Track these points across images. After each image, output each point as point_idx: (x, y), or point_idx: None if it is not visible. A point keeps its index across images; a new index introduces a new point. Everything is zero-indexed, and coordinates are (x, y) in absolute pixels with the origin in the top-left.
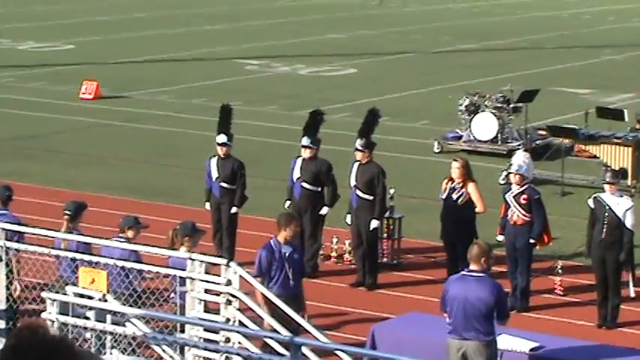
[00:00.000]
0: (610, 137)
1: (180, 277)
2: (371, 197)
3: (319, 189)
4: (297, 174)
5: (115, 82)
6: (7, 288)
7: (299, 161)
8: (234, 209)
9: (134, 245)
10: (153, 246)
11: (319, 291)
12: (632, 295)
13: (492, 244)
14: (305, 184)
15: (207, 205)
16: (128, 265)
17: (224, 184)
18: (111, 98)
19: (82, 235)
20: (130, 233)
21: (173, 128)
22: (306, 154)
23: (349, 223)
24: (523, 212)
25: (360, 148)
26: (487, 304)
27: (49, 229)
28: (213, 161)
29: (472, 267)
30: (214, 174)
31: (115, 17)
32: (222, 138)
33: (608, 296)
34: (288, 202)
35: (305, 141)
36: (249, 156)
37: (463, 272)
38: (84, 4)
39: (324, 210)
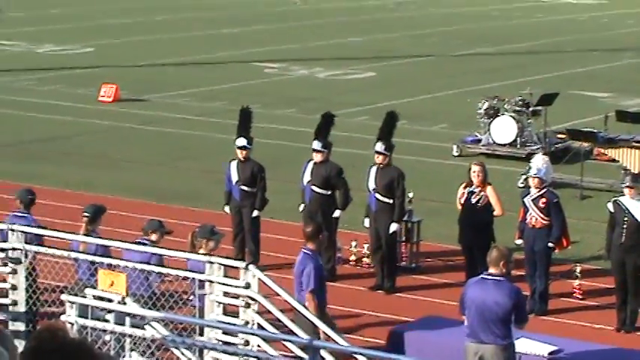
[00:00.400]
0: (630, 141)
1: (199, 280)
2: (390, 200)
3: (329, 192)
4: (307, 177)
5: (134, 85)
6: (27, 290)
7: (310, 165)
8: (255, 212)
9: (154, 248)
10: (170, 249)
11: (338, 294)
12: None
13: (511, 247)
14: (315, 188)
15: (227, 209)
16: (147, 267)
17: (244, 187)
18: (130, 101)
19: (101, 237)
20: (153, 237)
21: (191, 131)
22: (317, 157)
23: (367, 226)
24: (542, 216)
25: (380, 150)
26: (505, 308)
27: (68, 232)
28: (233, 164)
29: (491, 270)
30: (234, 177)
31: (134, 20)
32: (241, 141)
33: (627, 300)
34: (302, 206)
35: (316, 145)
36: (268, 159)
37: (482, 275)
38: (103, 6)
39: (337, 213)
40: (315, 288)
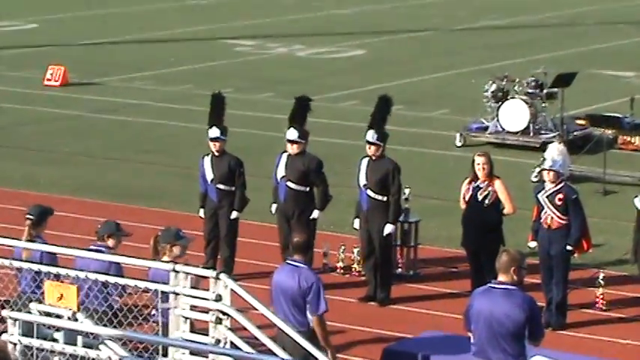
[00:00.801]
0: None
1: (163, 292)
2: (384, 198)
3: (307, 189)
4: (281, 172)
5: (85, 67)
6: None
7: (284, 157)
8: (234, 214)
9: (110, 255)
10: (129, 256)
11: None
12: None
13: (524, 251)
14: (291, 184)
15: (202, 212)
16: (102, 278)
17: (221, 186)
18: (80, 85)
19: (47, 243)
20: (110, 242)
21: (152, 120)
22: (292, 149)
23: (357, 228)
24: (558, 214)
25: (372, 140)
26: (516, 322)
27: (9, 237)
28: (207, 160)
29: (500, 278)
30: (209, 175)
31: None
32: (214, 132)
33: None
34: (274, 206)
35: (291, 134)
36: (242, 152)
37: (490, 284)
38: None
39: (315, 214)
40: (327, 310)
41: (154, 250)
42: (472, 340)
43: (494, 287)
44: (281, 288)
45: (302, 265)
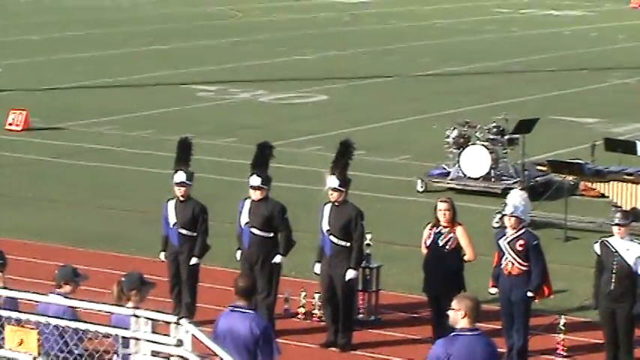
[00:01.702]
0: (620, 173)
1: (124, 337)
2: (347, 243)
3: (271, 235)
4: (245, 218)
5: (47, 112)
6: None
7: (247, 203)
8: (194, 260)
9: (72, 301)
10: (90, 301)
11: (284, 353)
12: None
13: (486, 298)
14: (255, 230)
15: (162, 256)
16: (63, 323)
17: (183, 231)
18: (42, 130)
19: (7, 288)
20: (67, 287)
21: (113, 165)
22: (255, 195)
23: (318, 272)
24: (519, 260)
25: (334, 186)
26: None
27: None
28: (171, 204)
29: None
30: (172, 219)
31: (46, 36)
32: (180, 176)
33: (619, 356)
34: (238, 252)
35: (254, 180)
36: (204, 196)
37: (455, 333)
38: (10, 20)
39: (278, 258)
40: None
41: (118, 295)
42: None
43: (459, 335)
44: (231, 336)
45: (249, 312)
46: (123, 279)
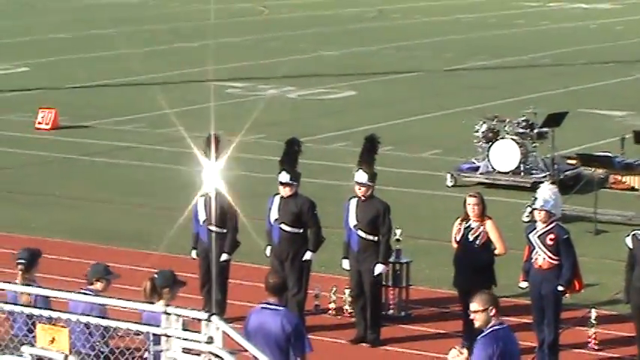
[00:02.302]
0: None
1: (155, 335)
2: (375, 238)
3: (301, 231)
4: (274, 215)
5: (76, 110)
6: None
7: (276, 200)
8: (224, 256)
9: (103, 298)
10: (121, 299)
11: (315, 349)
12: None
13: (516, 292)
14: (284, 226)
15: (194, 253)
16: (94, 321)
17: (213, 228)
18: (71, 128)
19: (40, 287)
20: (99, 285)
21: (142, 162)
22: (285, 191)
23: (347, 268)
24: (550, 254)
25: (361, 181)
26: None
27: (1, 281)
28: (201, 202)
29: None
30: (202, 216)
31: (75, 34)
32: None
33: None
34: (268, 248)
35: (283, 177)
36: (234, 193)
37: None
38: (39, 19)
39: (308, 255)
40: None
41: (150, 292)
42: None
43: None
44: (262, 333)
45: (281, 308)
46: (155, 276)
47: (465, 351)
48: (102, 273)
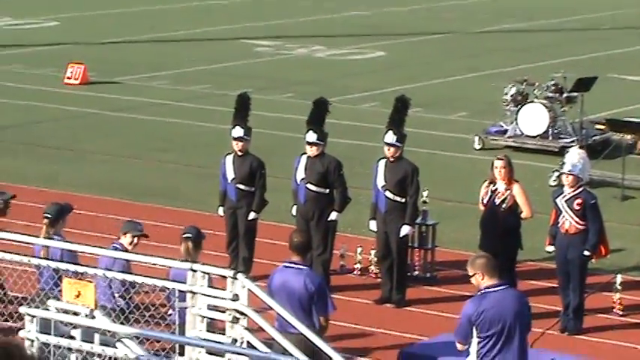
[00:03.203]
0: None
1: (180, 291)
2: (402, 199)
3: (327, 191)
4: (301, 174)
5: (105, 66)
6: None
7: (303, 159)
8: (252, 215)
9: (129, 254)
10: (145, 254)
11: (340, 309)
12: None
13: (543, 255)
14: (310, 186)
15: (221, 211)
16: (119, 276)
17: (241, 186)
18: (100, 84)
19: (66, 241)
20: (125, 239)
21: (170, 119)
22: (312, 151)
23: (374, 229)
24: (577, 219)
25: (390, 142)
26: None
27: (29, 235)
28: (229, 159)
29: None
30: (230, 174)
31: None
32: (238, 132)
33: None
34: (294, 207)
35: (310, 137)
36: (261, 152)
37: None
38: None
39: (334, 215)
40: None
41: (194, 250)
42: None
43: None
44: (285, 291)
45: (304, 267)
46: (189, 235)
47: None
48: (129, 228)
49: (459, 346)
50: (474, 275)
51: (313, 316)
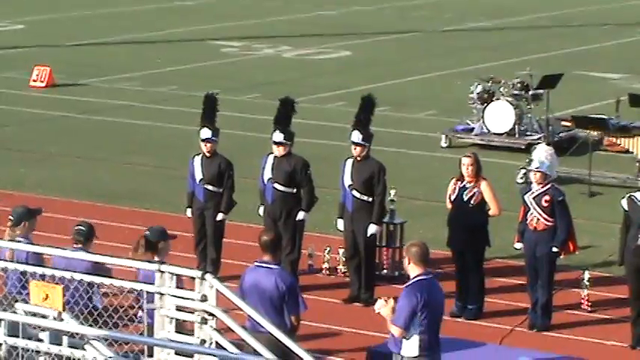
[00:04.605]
0: None
1: (148, 292)
2: (369, 198)
3: (294, 190)
4: (268, 174)
5: (71, 68)
6: None
7: (270, 159)
8: (220, 216)
9: (97, 256)
10: (114, 256)
11: (309, 308)
12: None
13: (510, 253)
14: (278, 186)
15: (189, 212)
16: (87, 278)
17: (209, 187)
18: (66, 86)
19: (33, 244)
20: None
21: (138, 121)
22: (278, 150)
23: (341, 229)
24: (545, 216)
25: (357, 141)
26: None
27: None
28: (197, 160)
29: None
30: (198, 175)
31: None
32: (206, 133)
33: None
34: (261, 208)
35: (277, 136)
36: (228, 152)
37: (421, 277)
38: None
39: (301, 215)
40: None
41: (146, 248)
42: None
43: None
44: (257, 291)
45: (275, 267)
46: (147, 232)
47: (391, 300)
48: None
49: (399, 333)
50: (404, 259)
51: (285, 316)
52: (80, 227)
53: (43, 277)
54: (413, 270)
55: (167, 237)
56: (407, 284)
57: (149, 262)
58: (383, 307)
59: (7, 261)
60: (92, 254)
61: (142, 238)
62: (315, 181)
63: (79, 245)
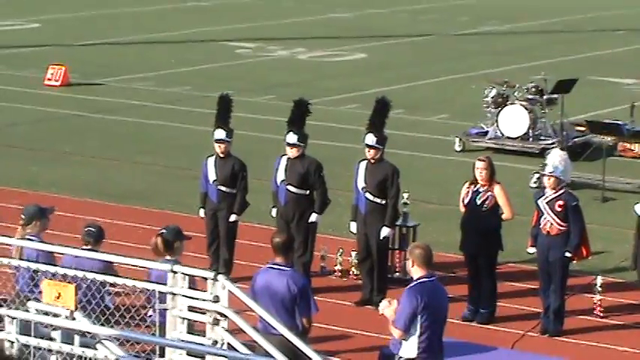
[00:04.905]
0: None
1: (160, 293)
2: (382, 201)
3: (307, 192)
4: (281, 176)
5: (86, 68)
6: None
7: (283, 161)
8: (233, 217)
9: (112, 256)
10: (126, 256)
11: (320, 310)
12: None
13: (524, 258)
14: (291, 187)
15: (202, 212)
16: (100, 277)
17: (222, 188)
18: (80, 85)
19: (44, 242)
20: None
21: (152, 121)
22: (292, 152)
23: (354, 231)
24: (558, 221)
25: (371, 144)
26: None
27: (7, 236)
28: (211, 161)
29: (423, 272)
30: (211, 176)
31: None
32: (220, 134)
33: None
34: (274, 209)
35: (290, 138)
36: (242, 153)
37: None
38: None
39: (314, 217)
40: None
41: (164, 248)
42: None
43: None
44: (268, 292)
45: (287, 269)
46: (164, 231)
47: (395, 301)
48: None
49: (399, 334)
50: (407, 261)
51: (296, 318)
52: (90, 228)
53: (54, 276)
54: (416, 272)
55: (183, 237)
56: (409, 286)
57: (162, 262)
58: (386, 307)
59: (21, 259)
60: (105, 253)
61: (158, 238)
62: (328, 183)
63: (88, 246)
